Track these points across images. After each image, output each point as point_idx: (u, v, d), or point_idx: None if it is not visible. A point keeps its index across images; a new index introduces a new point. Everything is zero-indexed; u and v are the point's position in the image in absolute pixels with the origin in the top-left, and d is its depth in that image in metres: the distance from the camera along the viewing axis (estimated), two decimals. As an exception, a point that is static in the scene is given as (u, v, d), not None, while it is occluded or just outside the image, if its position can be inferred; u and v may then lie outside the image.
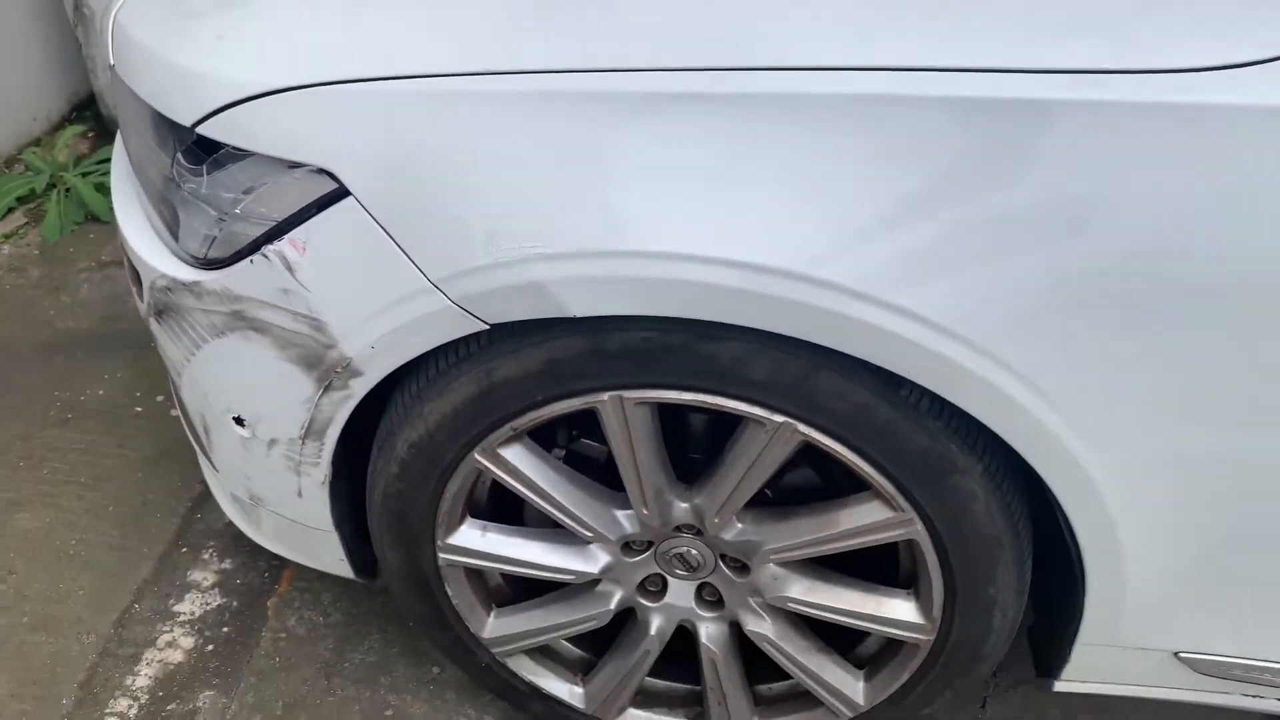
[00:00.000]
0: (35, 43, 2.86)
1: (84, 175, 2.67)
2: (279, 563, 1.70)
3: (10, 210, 2.58)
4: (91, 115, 3.00)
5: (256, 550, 1.69)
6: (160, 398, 2.04)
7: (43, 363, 2.13)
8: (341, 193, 1.00)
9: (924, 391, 0.99)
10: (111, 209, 2.56)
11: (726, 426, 1.12)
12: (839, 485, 1.20)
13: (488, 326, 1.02)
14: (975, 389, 0.95)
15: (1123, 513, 1.01)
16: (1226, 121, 0.83)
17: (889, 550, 1.20)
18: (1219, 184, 0.85)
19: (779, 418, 1.04)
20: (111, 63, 1.26)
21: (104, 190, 2.64)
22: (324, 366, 1.10)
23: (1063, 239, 0.88)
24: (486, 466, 1.16)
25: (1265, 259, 0.86)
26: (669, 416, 1.14)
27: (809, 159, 0.90)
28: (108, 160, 2.75)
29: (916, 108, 0.87)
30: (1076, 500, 1.02)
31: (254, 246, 1.07)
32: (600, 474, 1.24)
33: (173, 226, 1.18)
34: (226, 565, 1.71)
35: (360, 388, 1.11)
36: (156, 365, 2.11)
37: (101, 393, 2.06)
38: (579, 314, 0.98)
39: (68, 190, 2.61)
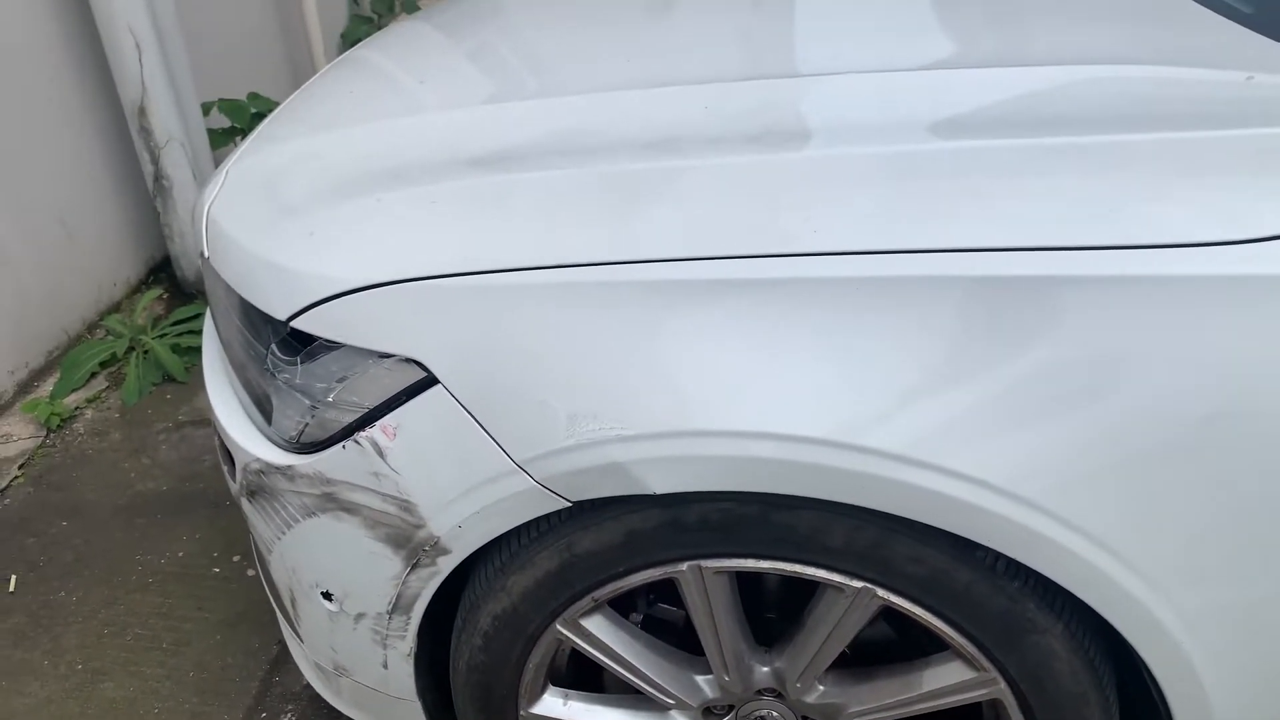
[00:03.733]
0: (115, 212, 3.00)
1: (160, 337, 2.78)
2: (356, 725, 1.71)
3: (93, 375, 2.69)
4: (167, 277, 3.12)
5: (334, 714, 1.70)
6: (236, 557, 2.09)
7: (125, 526, 2.20)
8: (430, 381, 1.05)
9: (999, 554, 1.00)
10: (187, 369, 2.67)
11: (802, 587, 1.13)
12: (917, 640, 1.20)
13: (570, 504, 1.05)
14: (1044, 550, 0.96)
15: (1200, 656, 1.00)
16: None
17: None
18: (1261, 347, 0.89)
19: (857, 583, 1.05)
20: (206, 254, 1.32)
21: (180, 351, 2.74)
22: (412, 545, 1.13)
23: (1112, 400, 0.91)
24: (568, 637, 1.18)
25: None
26: (745, 577, 1.16)
27: (858, 335, 0.95)
28: (183, 321, 2.87)
29: (960, 286, 0.93)
30: (1156, 650, 1.01)
31: (346, 432, 1.11)
32: (679, 637, 1.25)
33: (266, 410, 1.23)
34: (305, 729, 1.72)
35: (447, 565, 1.13)
36: (232, 524, 2.17)
37: (181, 554, 2.11)
38: (659, 491, 1.01)
39: (145, 353, 2.72)
